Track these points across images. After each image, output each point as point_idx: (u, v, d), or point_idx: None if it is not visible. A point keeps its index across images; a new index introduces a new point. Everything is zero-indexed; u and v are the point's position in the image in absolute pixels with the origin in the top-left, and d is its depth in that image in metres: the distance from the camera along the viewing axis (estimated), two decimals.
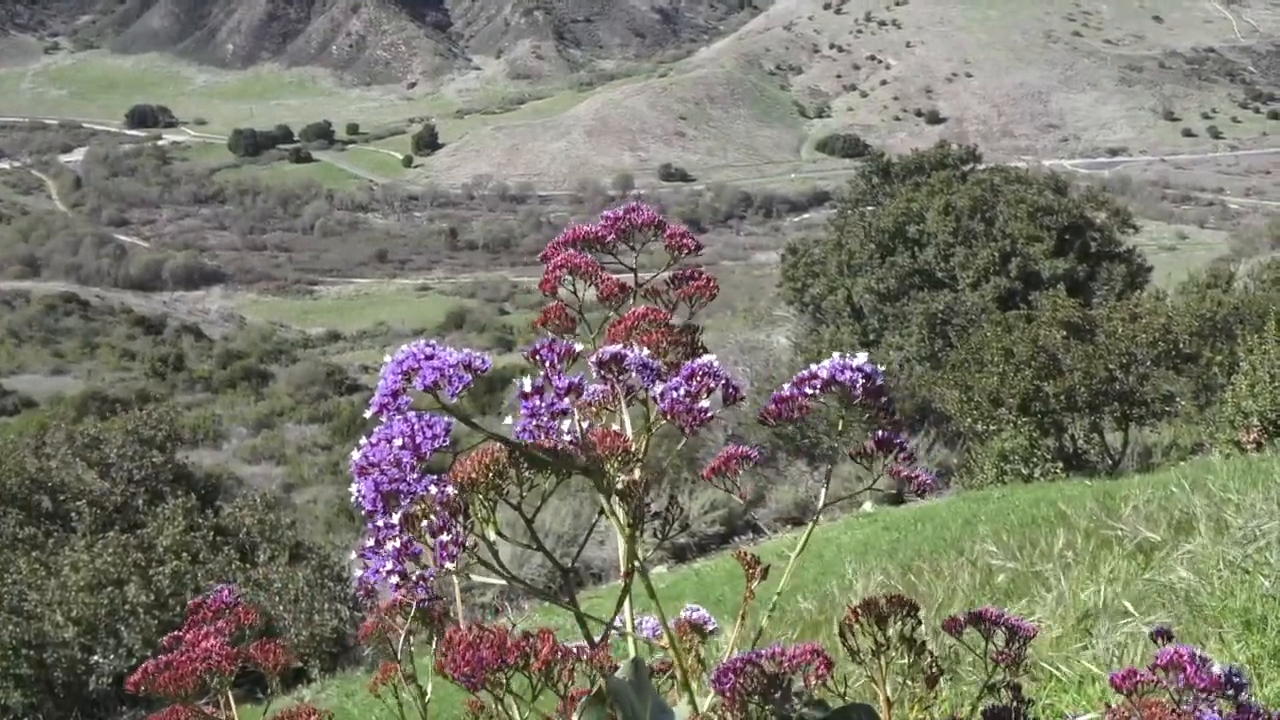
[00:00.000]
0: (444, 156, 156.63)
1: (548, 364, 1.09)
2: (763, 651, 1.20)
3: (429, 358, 1.02)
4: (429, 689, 1.42)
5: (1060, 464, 14.61)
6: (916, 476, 1.22)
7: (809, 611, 6.78)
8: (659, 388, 1.10)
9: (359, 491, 1.02)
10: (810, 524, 1.34)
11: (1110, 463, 14.94)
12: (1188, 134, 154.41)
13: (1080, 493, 10.40)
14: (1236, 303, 17.51)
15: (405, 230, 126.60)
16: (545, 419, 1.05)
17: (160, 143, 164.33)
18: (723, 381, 1.14)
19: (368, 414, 1.03)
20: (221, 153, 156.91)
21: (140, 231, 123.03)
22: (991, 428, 15.21)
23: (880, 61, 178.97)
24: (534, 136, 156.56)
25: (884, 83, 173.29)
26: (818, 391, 1.16)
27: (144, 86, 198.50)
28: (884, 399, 1.19)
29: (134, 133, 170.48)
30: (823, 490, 1.26)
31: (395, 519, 1.01)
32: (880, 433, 1.21)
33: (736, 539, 15.69)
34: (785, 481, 17.76)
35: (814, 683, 1.19)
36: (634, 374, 1.12)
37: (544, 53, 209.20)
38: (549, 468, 1.07)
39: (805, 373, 1.18)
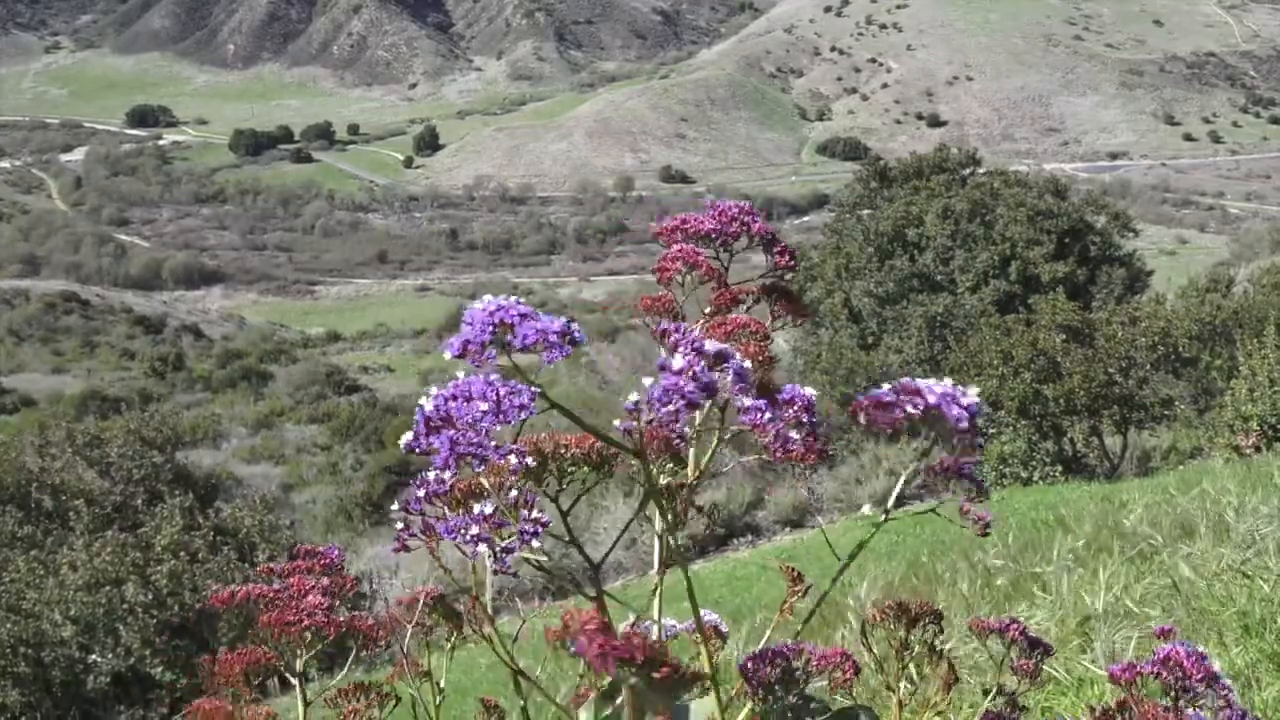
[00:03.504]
0: (445, 157, 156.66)
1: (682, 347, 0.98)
2: (792, 646, 1.20)
3: (524, 316, 0.96)
4: (443, 682, 1.39)
5: (1059, 467, 14.62)
6: (982, 519, 1.16)
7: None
8: (748, 401, 1.04)
9: (430, 443, 0.94)
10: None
11: (1109, 466, 14.94)
12: (1188, 138, 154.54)
13: (1079, 496, 10.41)
14: (1236, 307, 17.53)
15: (405, 231, 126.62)
16: (678, 403, 0.95)
17: (161, 142, 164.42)
18: (812, 419, 1.07)
19: (446, 356, 0.95)
20: (222, 153, 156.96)
21: (140, 231, 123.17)
22: (990, 431, 15.21)
23: (881, 64, 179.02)
24: (535, 138, 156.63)
25: (885, 86, 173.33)
26: (916, 412, 1.07)
27: (144, 86, 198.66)
28: (975, 436, 1.11)
29: (134, 132, 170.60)
30: (895, 486, 1.21)
31: (448, 479, 0.94)
32: (953, 461, 1.14)
33: (735, 541, 15.68)
34: (784, 484, 17.75)
35: (841, 686, 1.19)
36: (730, 379, 1.02)
37: (545, 54, 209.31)
38: (613, 456, 1.02)
39: (910, 383, 1.08)
